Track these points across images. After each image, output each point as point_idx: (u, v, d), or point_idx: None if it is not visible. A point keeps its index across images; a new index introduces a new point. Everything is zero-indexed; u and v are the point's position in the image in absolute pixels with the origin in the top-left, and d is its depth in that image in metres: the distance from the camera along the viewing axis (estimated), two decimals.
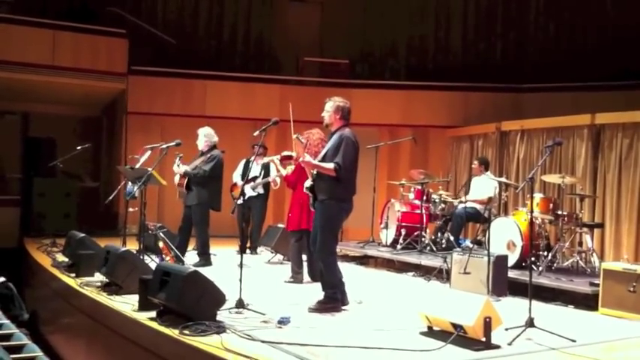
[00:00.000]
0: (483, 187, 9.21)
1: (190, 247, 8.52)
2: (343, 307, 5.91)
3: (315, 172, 5.85)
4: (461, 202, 9.28)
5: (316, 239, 5.89)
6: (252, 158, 8.57)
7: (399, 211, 9.59)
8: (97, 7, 12.88)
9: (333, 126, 5.90)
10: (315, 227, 5.94)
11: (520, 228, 7.68)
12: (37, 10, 12.06)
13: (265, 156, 9.44)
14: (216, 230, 8.93)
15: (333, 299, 5.86)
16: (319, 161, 5.83)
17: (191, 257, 8.37)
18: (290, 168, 7.45)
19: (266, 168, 9.50)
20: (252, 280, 6.72)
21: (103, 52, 11.92)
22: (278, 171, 8.57)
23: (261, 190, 9.60)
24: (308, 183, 5.96)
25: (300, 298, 6.16)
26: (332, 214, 5.81)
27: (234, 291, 5.52)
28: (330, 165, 5.65)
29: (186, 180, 8.18)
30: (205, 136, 8.39)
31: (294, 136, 6.47)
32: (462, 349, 4.58)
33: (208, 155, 8.27)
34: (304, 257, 7.40)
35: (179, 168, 8.17)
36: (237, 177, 9.85)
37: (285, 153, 7.66)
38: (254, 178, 9.40)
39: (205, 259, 8.26)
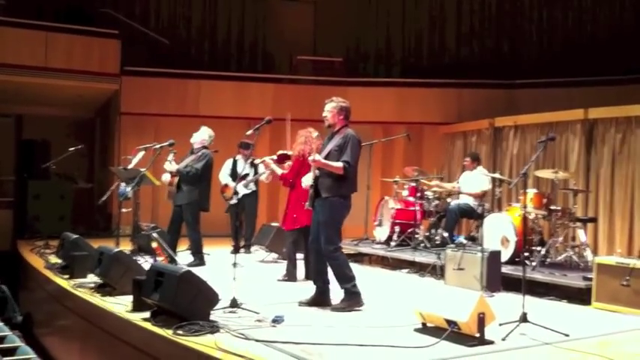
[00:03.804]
0: (474, 180, 9.21)
1: (183, 247, 8.51)
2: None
3: (317, 171, 5.84)
4: (457, 192, 9.29)
5: (317, 237, 5.87)
6: (239, 157, 8.45)
7: (392, 208, 9.59)
8: (90, 8, 12.84)
9: (336, 126, 5.97)
10: (316, 224, 5.90)
11: (513, 223, 7.69)
12: (30, 12, 12.01)
13: (252, 154, 9.39)
14: (209, 230, 8.90)
15: (355, 293, 5.86)
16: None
17: (185, 257, 8.36)
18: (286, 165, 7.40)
19: (255, 165, 9.45)
20: (245, 279, 6.71)
21: (96, 53, 11.86)
22: (272, 171, 8.36)
23: (253, 187, 9.56)
24: (309, 179, 5.95)
25: (293, 297, 6.14)
26: (336, 210, 5.85)
27: (227, 290, 5.51)
28: (339, 164, 5.72)
29: (177, 179, 8.12)
30: (210, 136, 8.28)
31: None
32: (456, 345, 4.59)
33: (199, 154, 8.17)
34: (299, 255, 7.39)
35: (171, 165, 8.05)
36: (226, 177, 9.67)
37: (282, 152, 7.62)
38: (245, 176, 9.36)
39: (199, 258, 8.23)
